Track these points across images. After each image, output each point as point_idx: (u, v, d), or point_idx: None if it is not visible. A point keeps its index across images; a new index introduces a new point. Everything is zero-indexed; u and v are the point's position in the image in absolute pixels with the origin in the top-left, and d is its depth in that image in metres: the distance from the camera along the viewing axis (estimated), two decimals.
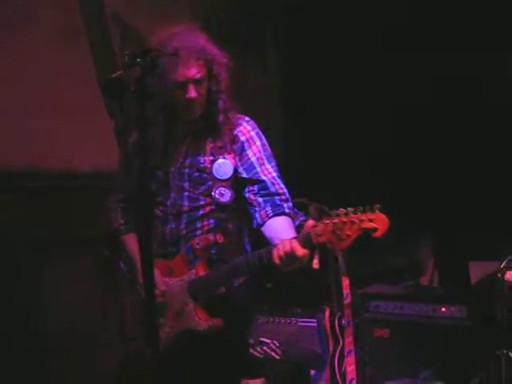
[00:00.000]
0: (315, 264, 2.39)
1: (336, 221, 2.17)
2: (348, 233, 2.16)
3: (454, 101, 4.80)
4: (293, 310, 4.36)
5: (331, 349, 4.05)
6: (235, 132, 2.64)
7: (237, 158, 2.63)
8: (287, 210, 2.60)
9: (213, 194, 2.60)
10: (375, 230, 2.12)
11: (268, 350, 4.01)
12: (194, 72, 2.54)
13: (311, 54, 5.09)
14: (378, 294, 4.23)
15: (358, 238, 2.18)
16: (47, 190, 3.82)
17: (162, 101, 2.61)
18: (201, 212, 2.62)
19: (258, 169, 2.63)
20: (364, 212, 2.15)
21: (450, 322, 4.00)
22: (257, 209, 2.61)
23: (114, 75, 2.18)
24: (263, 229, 2.59)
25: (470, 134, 4.84)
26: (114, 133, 4.19)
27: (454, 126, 4.91)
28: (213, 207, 2.63)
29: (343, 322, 4.05)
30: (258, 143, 2.67)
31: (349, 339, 4.02)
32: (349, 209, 2.18)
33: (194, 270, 2.58)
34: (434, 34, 4.81)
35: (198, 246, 2.57)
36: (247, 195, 2.64)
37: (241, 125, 2.67)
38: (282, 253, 2.31)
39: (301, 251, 2.28)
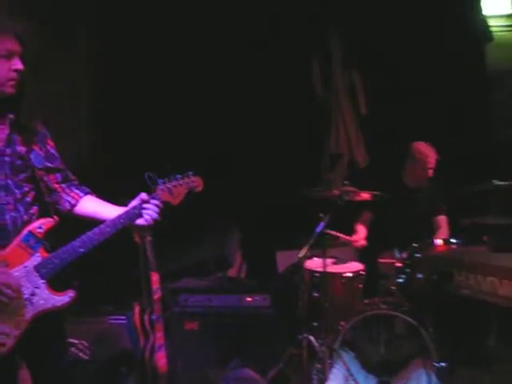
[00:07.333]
0: None
1: (168, 185, 2.80)
2: (180, 191, 2.80)
3: None
4: (104, 309, 4.35)
5: (142, 344, 4.07)
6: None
7: (43, 149, 2.62)
8: (87, 189, 2.80)
9: (41, 181, 2.60)
10: (197, 187, 2.83)
11: (76, 351, 3.96)
12: (18, 46, 2.45)
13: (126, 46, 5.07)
14: (186, 288, 4.32)
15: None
16: None
17: None
18: (28, 199, 2.57)
19: (58, 158, 2.70)
20: (184, 177, 2.81)
21: (256, 311, 4.19)
22: (63, 194, 2.71)
23: None
24: (78, 207, 2.75)
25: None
26: None
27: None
28: (34, 193, 2.59)
29: (153, 317, 4.08)
30: (48, 134, 2.68)
31: (159, 334, 4.06)
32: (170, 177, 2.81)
33: (38, 254, 2.54)
34: None
35: (39, 230, 2.55)
36: (50, 184, 2.68)
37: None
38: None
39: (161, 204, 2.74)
